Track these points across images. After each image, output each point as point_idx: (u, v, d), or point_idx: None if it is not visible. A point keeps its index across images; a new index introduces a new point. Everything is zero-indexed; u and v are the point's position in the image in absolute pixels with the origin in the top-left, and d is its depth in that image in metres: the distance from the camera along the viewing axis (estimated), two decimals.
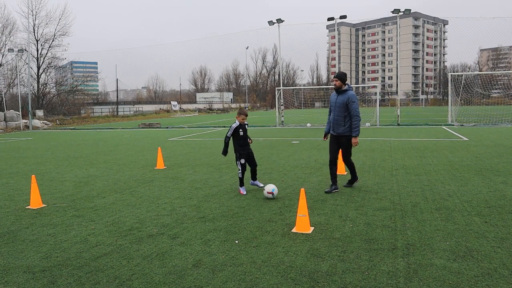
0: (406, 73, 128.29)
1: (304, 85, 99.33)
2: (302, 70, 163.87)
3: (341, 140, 6.97)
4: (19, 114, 33.36)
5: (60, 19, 63.38)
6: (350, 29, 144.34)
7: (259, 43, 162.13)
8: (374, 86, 33.10)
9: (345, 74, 6.97)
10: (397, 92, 55.71)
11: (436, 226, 5.00)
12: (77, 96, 56.59)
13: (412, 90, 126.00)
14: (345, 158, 7.14)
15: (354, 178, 7.33)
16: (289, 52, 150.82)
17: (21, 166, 11.16)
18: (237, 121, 7.11)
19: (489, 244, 4.33)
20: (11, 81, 45.03)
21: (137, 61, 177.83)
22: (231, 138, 7.13)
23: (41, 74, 48.70)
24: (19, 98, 35.55)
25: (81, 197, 7.11)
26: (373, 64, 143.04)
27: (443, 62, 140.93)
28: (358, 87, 46.94)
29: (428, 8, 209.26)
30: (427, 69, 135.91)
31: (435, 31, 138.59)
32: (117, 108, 58.11)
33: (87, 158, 12.46)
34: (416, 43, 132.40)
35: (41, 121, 35.90)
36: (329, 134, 7.25)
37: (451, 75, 27.12)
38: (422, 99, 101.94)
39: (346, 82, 6.93)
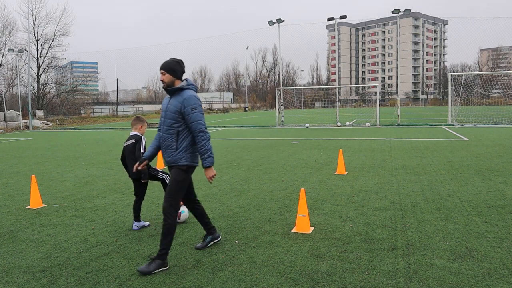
0: (406, 73, 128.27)
1: (304, 85, 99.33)
2: (302, 70, 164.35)
3: (171, 172, 4.05)
4: (19, 114, 33.36)
5: (60, 19, 63.74)
6: (350, 29, 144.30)
7: (259, 43, 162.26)
8: (374, 86, 33.11)
9: (176, 63, 4.00)
10: (397, 92, 55.73)
11: (436, 226, 5.00)
12: (77, 96, 56.62)
13: (412, 90, 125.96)
14: (166, 203, 3.89)
15: (163, 255, 3.88)
16: (289, 52, 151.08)
17: (21, 166, 11.16)
18: (139, 133, 5.21)
19: (489, 244, 4.33)
20: (11, 81, 45.06)
21: (137, 61, 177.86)
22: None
23: (41, 74, 48.71)
24: (19, 98, 35.56)
25: (81, 197, 7.11)
26: (373, 64, 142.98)
27: (443, 62, 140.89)
28: (358, 87, 46.97)
29: (428, 8, 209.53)
30: (427, 69, 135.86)
31: (435, 31, 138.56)
32: (117, 108, 58.10)
33: (87, 158, 12.46)
34: (416, 43, 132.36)
35: (41, 121, 35.89)
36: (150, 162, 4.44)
37: (451, 75, 27.12)
38: (422, 99, 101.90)
39: (186, 78, 4.08)
